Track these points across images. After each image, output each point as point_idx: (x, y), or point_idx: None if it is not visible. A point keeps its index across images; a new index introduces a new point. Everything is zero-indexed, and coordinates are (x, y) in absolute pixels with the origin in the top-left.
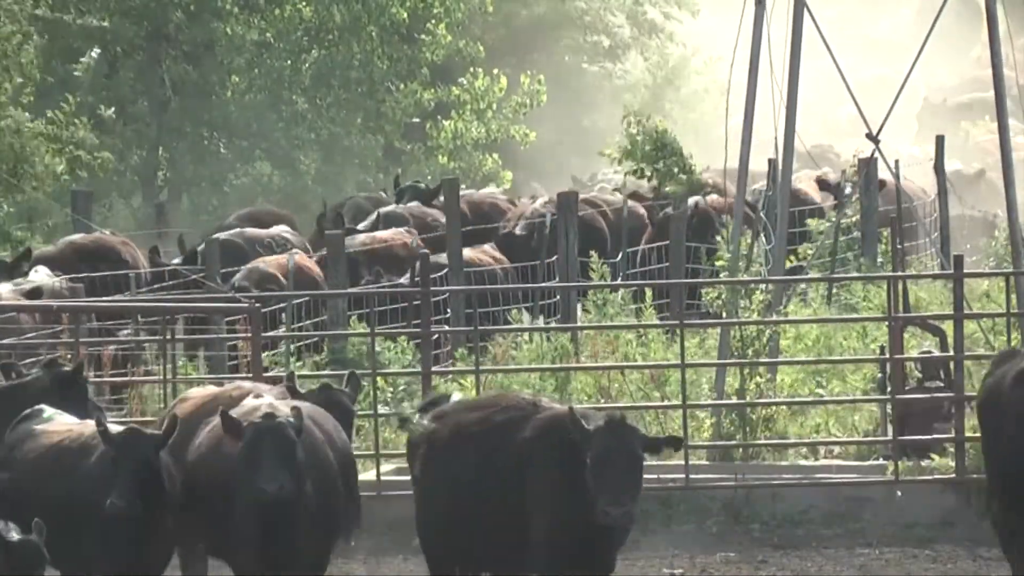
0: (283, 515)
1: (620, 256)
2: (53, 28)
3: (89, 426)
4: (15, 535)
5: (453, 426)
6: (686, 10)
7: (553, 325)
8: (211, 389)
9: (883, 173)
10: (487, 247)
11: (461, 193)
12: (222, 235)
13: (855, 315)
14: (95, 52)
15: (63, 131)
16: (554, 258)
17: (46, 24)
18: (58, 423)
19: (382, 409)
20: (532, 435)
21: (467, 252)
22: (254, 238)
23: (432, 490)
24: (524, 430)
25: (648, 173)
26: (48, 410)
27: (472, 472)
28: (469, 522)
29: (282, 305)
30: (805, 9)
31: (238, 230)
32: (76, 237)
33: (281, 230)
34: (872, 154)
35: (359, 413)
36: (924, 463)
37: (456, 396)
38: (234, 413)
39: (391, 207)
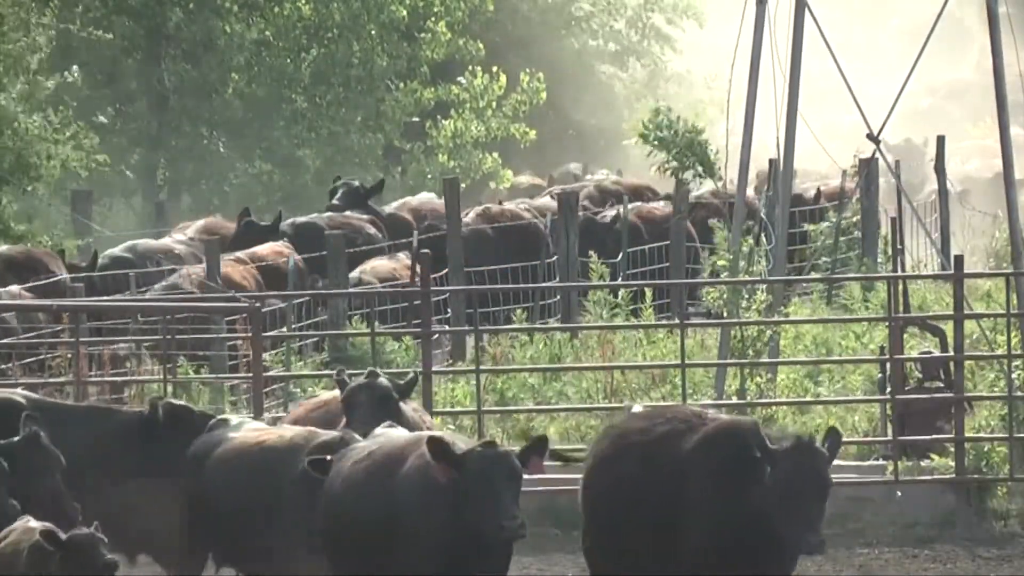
0: (497, 554)
1: (620, 256)
2: (59, 37)
3: (290, 429)
4: (76, 532)
5: (617, 437)
6: (693, 20)
7: (553, 325)
8: (323, 396)
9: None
10: (401, 255)
11: (404, 201)
12: (116, 249)
13: (855, 315)
14: (75, 69)
15: (61, 134)
16: (554, 258)
17: (57, 34)
18: (252, 428)
19: None
20: (696, 446)
21: (382, 263)
22: (146, 252)
23: (595, 499)
24: (688, 441)
25: (671, 165)
26: (235, 418)
27: (633, 483)
28: (629, 532)
29: (281, 305)
30: (806, 9)
31: (131, 243)
32: (5, 248)
33: (175, 240)
34: (872, 154)
35: None
36: (924, 463)
37: (636, 408)
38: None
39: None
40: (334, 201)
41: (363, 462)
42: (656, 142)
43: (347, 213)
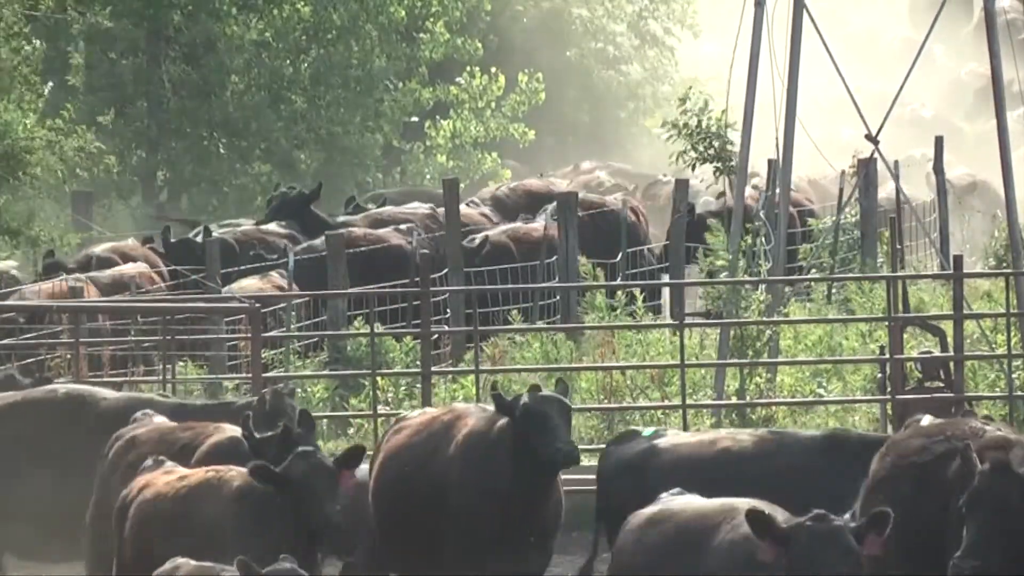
0: None
1: (620, 256)
2: (52, 31)
3: (743, 433)
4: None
5: (897, 457)
6: (688, 30)
7: (553, 325)
8: (428, 412)
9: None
10: (273, 274)
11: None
12: None
13: (855, 315)
14: (80, 52)
15: (64, 138)
16: (554, 258)
17: (47, 29)
18: (687, 435)
19: (382, 409)
20: (959, 473)
21: (252, 282)
22: None
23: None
24: (955, 465)
25: (690, 156)
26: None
27: (905, 507)
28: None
29: (282, 305)
30: (804, 11)
31: None
32: None
33: (9, 265)
34: (871, 155)
35: (360, 413)
36: None
37: (925, 420)
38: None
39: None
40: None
41: (665, 524)
42: (683, 129)
43: (270, 226)
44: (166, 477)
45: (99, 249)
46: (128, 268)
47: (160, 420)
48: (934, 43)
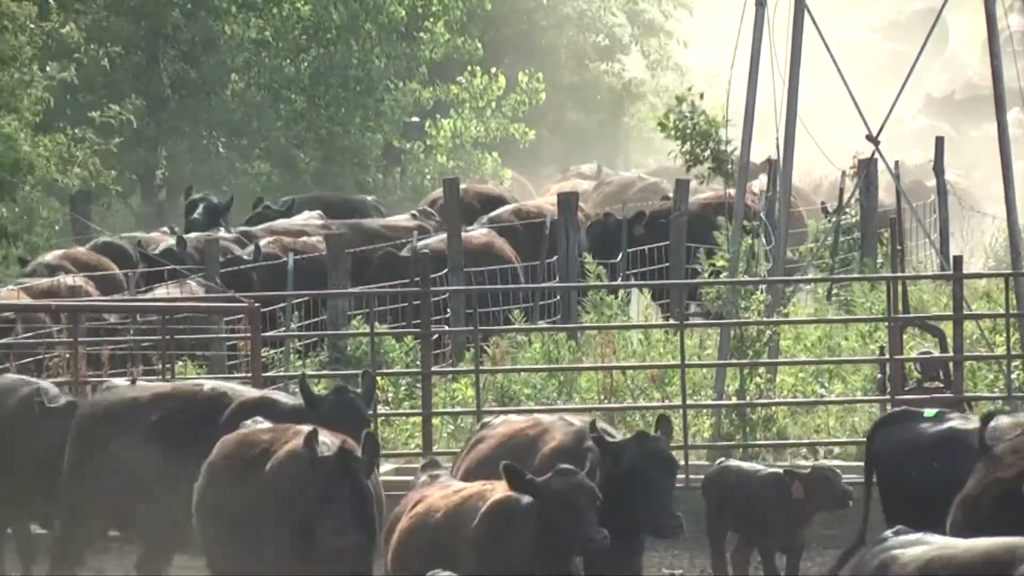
0: None
1: (620, 256)
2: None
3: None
4: None
5: (985, 472)
6: (683, 8)
7: (554, 325)
8: (513, 423)
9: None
10: (190, 282)
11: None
12: None
13: (855, 315)
14: (69, 70)
15: (66, 152)
16: (554, 258)
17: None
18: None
19: (382, 409)
20: None
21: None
22: None
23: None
24: None
25: (685, 154)
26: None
27: (989, 527)
28: None
29: (282, 305)
30: (805, 10)
31: None
32: None
33: None
34: (872, 155)
35: None
36: None
37: None
38: None
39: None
40: (195, 216)
41: (939, 566)
42: (674, 130)
43: (220, 234)
44: (441, 491)
45: (49, 257)
46: (60, 279)
47: (262, 426)
48: (913, 56)
